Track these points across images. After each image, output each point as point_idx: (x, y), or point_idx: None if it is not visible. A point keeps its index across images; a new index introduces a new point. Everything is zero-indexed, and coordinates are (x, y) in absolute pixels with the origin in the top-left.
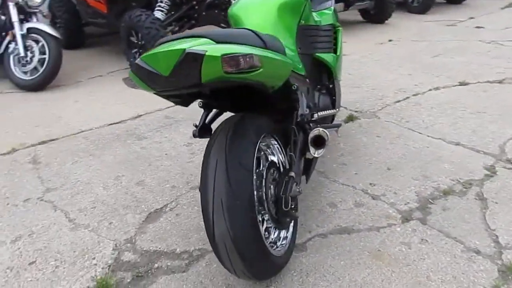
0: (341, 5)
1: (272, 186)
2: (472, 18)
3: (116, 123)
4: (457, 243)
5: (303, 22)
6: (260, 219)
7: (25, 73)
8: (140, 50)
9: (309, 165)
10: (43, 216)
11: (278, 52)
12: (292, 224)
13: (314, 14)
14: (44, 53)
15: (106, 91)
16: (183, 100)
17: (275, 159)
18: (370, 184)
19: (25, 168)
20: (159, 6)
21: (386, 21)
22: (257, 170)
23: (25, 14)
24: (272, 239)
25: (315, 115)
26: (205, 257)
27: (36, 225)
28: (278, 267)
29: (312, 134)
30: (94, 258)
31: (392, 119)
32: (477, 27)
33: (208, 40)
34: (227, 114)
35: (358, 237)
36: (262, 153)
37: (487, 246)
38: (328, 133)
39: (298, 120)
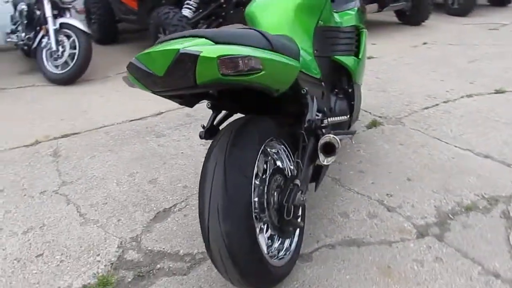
0: (374, 6)
1: (276, 193)
2: None
3: (137, 119)
4: (474, 264)
5: (321, 23)
6: (261, 227)
7: (56, 67)
8: None
9: (319, 172)
10: (56, 209)
11: (286, 53)
12: (297, 233)
13: (335, 15)
14: (74, 48)
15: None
16: (187, 101)
17: (281, 165)
18: (387, 194)
19: (45, 161)
20: (187, 4)
21: (423, 23)
22: (260, 176)
23: (59, 9)
24: (274, 248)
25: (325, 121)
26: (207, 261)
27: (48, 217)
28: (277, 277)
29: (322, 140)
30: (98, 255)
31: (418, 127)
32: None
33: (206, 40)
34: (234, 116)
35: (367, 251)
36: (269, 157)
37: (508, 270)
38: (339, 140)
39: (306, 125)
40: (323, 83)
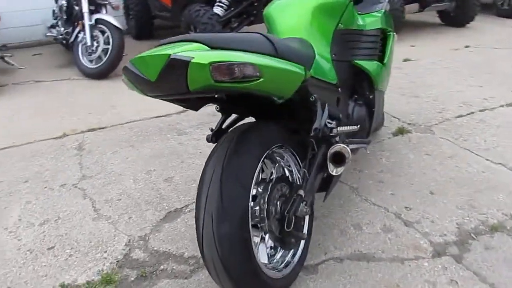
0: (415, 5)
1: (279, 203)
2: None
3: (162, 116)
4: None
5: (341, 25)
6: (262, 236)
7: (91, 61)
8: None
9: (329, 182)
10: (72, 202)
11: (294, 59)
12: (302, 244)
13: (359, 17)
14: (108, 44)
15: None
16: (191, 104)
17: (287, 173)
18: (406, 207)
19: (70, 154)
20: (219, 2)
21: (468, 25)
22: (262, 184)
23: (95, 5)
24: (276, 259)
25: (335, 130)
26: None
27: (64, 211)
28: None
29: (332, 149)
30: (105, 252)
31: (448, 136)
32: None
33: (201, 45)
34: (245, 120)
35: (377, 267)
36: (275, 165)
37: None
38: (349, 150)
39: (312, 134)
40: (339, 89)
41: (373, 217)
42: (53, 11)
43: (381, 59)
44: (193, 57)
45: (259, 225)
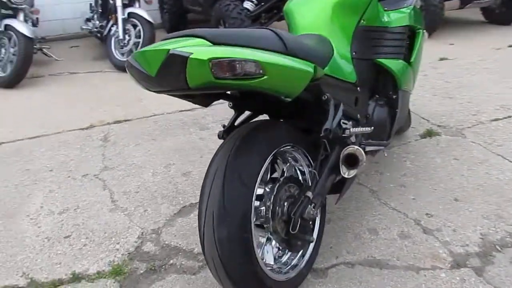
0: (456, 2)
1: (286, 204)
2: None
3: (187, 110)
4: None
5: (364, 22)
6: (268, 237)
7: (122, 54)
8: None
9: (342, 184)
10: (92, 193)
11: (306, 57)
12: (310, 247)
13: (384, 14)
14: (139, 37)
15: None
16: (199, 100)
17: (296, 174)
18: (427, 214)
19: (95, 145)
20: None
21: None
22: (268, 184)
23: None
24: (282, 261)
25: (347, 131)
26: None
27: (84, 200)
28: None
29: (345, 151)
30: (118, 243)
31: (480, 140)
32: None
33: (203, 41)
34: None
35: (390, 275)
36: (283, 165)
37: None
38: (363, 153)
39: (322, 134)
40: (358, 88)
41: (391, 222)
42: (90, 4)
43: (407, 58)
44: (192, 53)
45: (265, 226)
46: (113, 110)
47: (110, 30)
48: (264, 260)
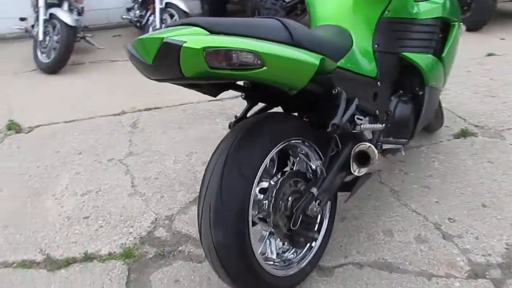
0: None
1: (290, 199)
2: None
3: (215, 100)
4: None
5: (388, 13)
6: (271, 231)
7: None
8: None
9: (354, 182)
10: (114, 177)
11: (315, 48)
12: (317, 244)
13: (414, 4)
14: None
15: None
16: (207, 90)
17: (302, 169)
18: (449, 219)
19: (124, 130)
20: None
21: None
22: (272, 178)
23: None
24: (285, 256)
25: (358, 127)
26: None
27: (106, 184)
28: (277, 287)
29: (356, 148)
30: (132, 227)
31: None
32: None
33: (200, 29)
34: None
35: (399, 279)
36: (297, 159)
37: None
38: (375, 151)
39: (329, 130)
40: (379, 83)
41: (409, 224)
42: None
43: (438, 52)
44: (186, 41)
45: (267, 220)
46: (145, 97)
47: (148, 19)
48: (266, 254)
